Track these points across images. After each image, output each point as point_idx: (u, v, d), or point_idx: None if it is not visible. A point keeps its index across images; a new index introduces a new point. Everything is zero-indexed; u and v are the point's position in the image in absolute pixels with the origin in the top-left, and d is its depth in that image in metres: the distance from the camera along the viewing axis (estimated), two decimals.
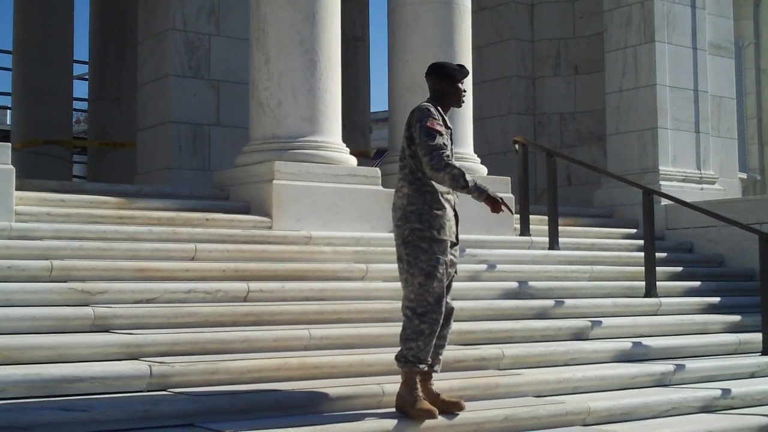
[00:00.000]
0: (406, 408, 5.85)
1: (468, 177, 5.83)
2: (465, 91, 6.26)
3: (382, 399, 6.12)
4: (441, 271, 5.85)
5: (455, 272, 6.15)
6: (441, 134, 5.90)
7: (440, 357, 6.12)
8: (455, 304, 7.98)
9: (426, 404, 5.84)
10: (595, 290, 9.72)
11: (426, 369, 5.93)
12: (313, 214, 9.14)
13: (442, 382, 6.29)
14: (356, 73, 16.70)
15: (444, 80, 6.17)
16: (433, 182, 5.91)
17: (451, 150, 6.02)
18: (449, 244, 5.94)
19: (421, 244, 5.85)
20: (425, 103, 6.10)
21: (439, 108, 6.10)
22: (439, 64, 6.29)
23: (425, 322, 5.82)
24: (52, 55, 15.28)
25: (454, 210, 6.05)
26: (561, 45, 15.08)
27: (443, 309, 5.88)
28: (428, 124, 5.91)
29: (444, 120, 6.07)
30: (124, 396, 5.64)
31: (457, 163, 5.87)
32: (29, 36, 15.33)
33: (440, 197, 5.94)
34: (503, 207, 5.90)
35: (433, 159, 5.82)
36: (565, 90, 15.03)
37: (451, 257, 6.02)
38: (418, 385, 5.91)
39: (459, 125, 10.49)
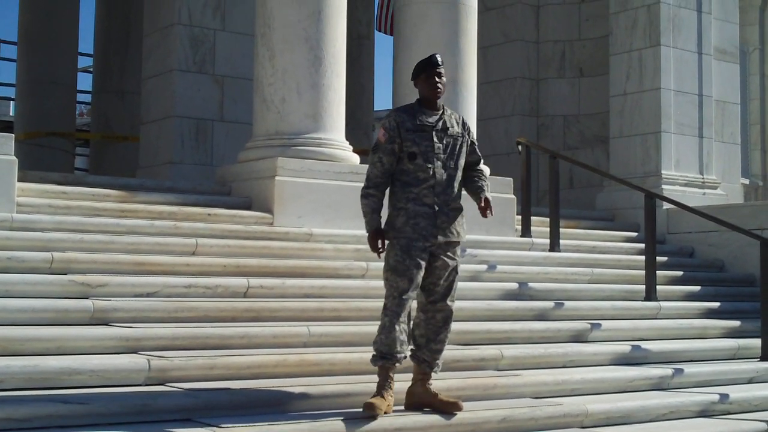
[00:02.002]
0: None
1: (367, 208, 5.95)
2: (438, 81, 6.05)
3: None
4: (406, 266, 5.83)
5: (452, 273, 6.08)
6: (382, 147, 5.95)
7: (438, 360, 6.10)
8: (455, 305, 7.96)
9: (376, 402, 5.76)
10: (595, 293, 9.71)
11: (391, 365, 5.90)
12: (314, 212, 9.14)
13: (440, 382, 6.29)
14: (361, 71, 16.71)
15: (414, 79, 6.15)
16: (401, 179, 5.97)
17: (428, 146, 5.96)
18: (422, 242, 5.88)
19: (391, 240, 5.95)
20: (393, 109, 6.31)
21: (417, 107, 6.09)
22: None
23: (386, 314, 5.87)
24: (57, 47, 15.28)
25: (434, 208, 5.95)
26: (566, 47, 15.08)
27: (405, 305, 5.85)
28: (377, 135, 6.07)
29: (417, 121, 6.00)
30: (122, 389, 5.63)
31: (375, 194, 5.97)
32: (34, 27, 15.33)
33: (404, 195, 5.94)
34: (376, 251, 5.97)
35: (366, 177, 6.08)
36: (570, 92, 15.03)
37: (444, 258, 6.00)
38: (388, 383, 5.89)
39: None
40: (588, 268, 10.29)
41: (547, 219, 10.66)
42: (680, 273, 11.11)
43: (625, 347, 8.40)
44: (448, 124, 6.12)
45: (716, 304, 10.30)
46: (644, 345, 8.56)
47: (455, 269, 6.10)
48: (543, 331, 8.34)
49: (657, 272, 10.03)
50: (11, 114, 20.41)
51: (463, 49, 10.56)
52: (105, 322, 6.53)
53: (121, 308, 6.65)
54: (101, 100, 15.46)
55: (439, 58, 6.11)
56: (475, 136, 6.37)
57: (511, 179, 10.90)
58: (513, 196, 10.75)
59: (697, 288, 10.75)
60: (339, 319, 7.52)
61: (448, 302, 6.08)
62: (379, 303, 7.81)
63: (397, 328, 5.84)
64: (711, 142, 13.56)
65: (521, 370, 7.37)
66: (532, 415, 6.39)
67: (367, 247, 8.74)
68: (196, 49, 11.57)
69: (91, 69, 16.76)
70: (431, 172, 5.96)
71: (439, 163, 6.00)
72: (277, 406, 5.76)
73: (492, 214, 6.27)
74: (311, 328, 7.00)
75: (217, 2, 11.70)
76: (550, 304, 8.98)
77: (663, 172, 12.93)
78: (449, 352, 6.93)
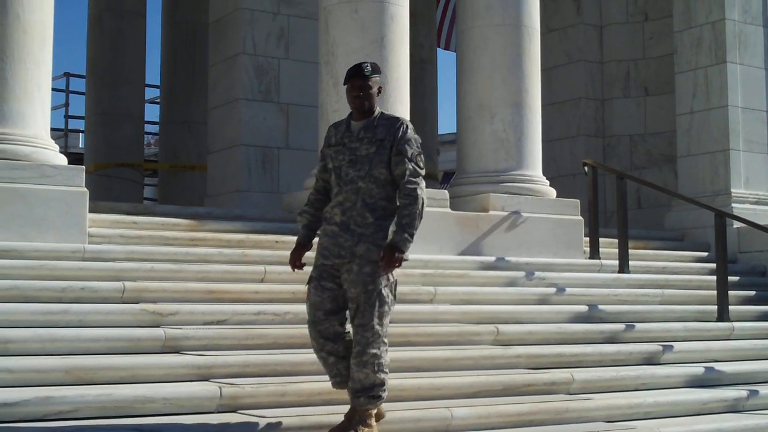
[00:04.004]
0: None
1: (299, 225, 5.85)
2: (358, 93, 5.61)
3: (450, 423, 6.10)
4: (308, 291, 5.65)
5: (360, 297, 5.48)
6: (318, 165, 5.86)
7: (355, 391, 5.53)
8: (521, 327, 7.92)
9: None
10: (666, 314, 9.59)
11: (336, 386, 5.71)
12: None
13: (512, 407, 6.24)
14: (424, 95, 16.74)
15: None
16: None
17: (342, 160, 5.60)
18: (320, 262, 5.63)
19: None
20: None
21: (347, 119, 5.76)
22: None
23: None
24: (125, 80, 15.57)
25: (339, 225, 5.58)
26: (630, 66, 14.98)
27: (315, 330, 5.58)
28: None
29: (340, 135, 5.70)
30: (195, 417, 5.67)
31: (308, 211, 5.83)
32: (102, 61, 15.63)
33: (324, 215, 5.73)
34: (291, 264, 5.83)
35: None
36: (635, 111, 14.92)
37: (348, 280, 5.51)
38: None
39: (527, 147, 10.47)
40: (658, 289, 10.17)
41: (616, 240, 10.56)
42: (753, 293, 10.93)
43: (698, 369, 8.28)
44: (371, 132, 5.62)
45: None
46: (718, 366, 8.42)
47: (363, 291, 5.47)
48: (614, 354, 8.24)
49: (729, 292, 9.87)
50: (81, 146, 20.75)
51: (527, 72, 10.54)
52: (176, 350, 6.59)
53: (192, 336, 6.70)
54: (168, 130, 15.68)
55: (366, 68, 5.64)
56: (409, 145, 5.56)
57: (578, 201, 10.83)
58: (580, 218, 10.67)
59: None
60: (408, 345, 7.50)
61: (355, 325, 5.51)
62: (448, 328, 7.86)
63: (320, 354, 5.62)
64: None
65: (593, 393, 7.28)
66: None
67: (434, 271, 8.86)
68: (261, 78, 11.69)
69: (158, 100, 17.01)
70: (340, 188, 5.60)
71: (350, 176, 5.57)
72: None
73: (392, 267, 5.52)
74: None
75: (281, 31, 11.83)
76: (621, 326, 8.88)
77: (732, 190, 12.74)
78: (520, 376, 6.91)
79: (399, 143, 5.55)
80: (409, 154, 5.56)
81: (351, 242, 5.51)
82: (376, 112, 5.69)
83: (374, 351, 5.47)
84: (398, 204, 5.58)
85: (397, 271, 8.40)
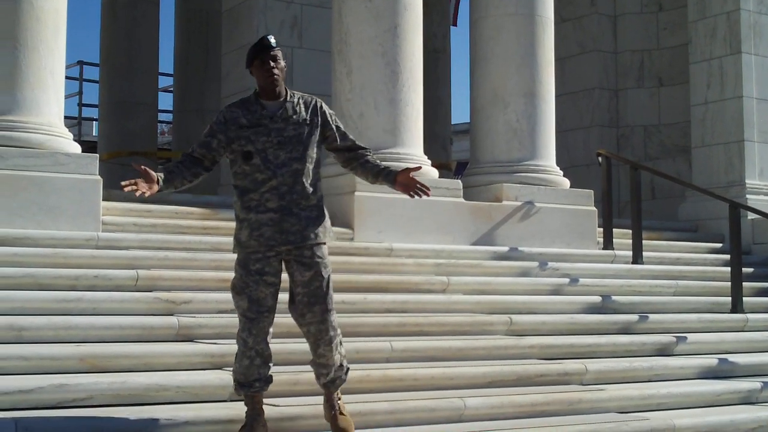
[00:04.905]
0: None
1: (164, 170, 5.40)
2: (273, 66, 5.35)
3: (463, 412, 6.10)
4: (244, 283, 5.26)
5: (315, 279, 5.31)
6: (200, 139, 5.48)
7: (327, 374, 5.46)
8: (534, 318, 7.92)
9: None
10: (680, 305, 9.57)
11: (254, 393, 5.34)
12: (394, 226, 9.15)
13: (525, 397, 6.23)
14: (437, 85, 16.71)
15: (249, 67, 5.44)
16: (239, 185, 5.39)
17: (266, 141, 5.31)
18: (262, 252, 5.28)
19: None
20: (228, 104, 5.60)
21: (253, 99, 5.45)
22: None
23: (237, 340, 5.36)
24: (138, 68, 15.56)
25: (277, 211, 5.27)
26: (644, 56, 14.92)
27: (253, 325, 5.25)
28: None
29: (253, 116, 5.38)
30: (208, 406, 5.68)
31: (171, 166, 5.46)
32: (115, 49, 15.63)
33: (245, 204, 5.33)
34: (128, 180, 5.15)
35: None
36: (649, 102, 14.86)
37: (298, 264, 5.31)
38: (257, 411, 5.34)
39: (541, 137, 10.45)
40: (672, 280, 10.14)
41: (629, 231, 10.55)
42: (767, 284, 10.89)
43: (711, 360, 8.26)
44: (292, 112, 5.40)
45: None
46: (731, 358, 8.41)
47: (319, 274, 5.33)
48: (627, 345, 8.23)
49: (743, 284, 9.85)
50: (95, 134, 20.79)
51: (540, 62, 10.51)
52: (190, 339, 6.60)
53: (206, 324, 6.71)
54: (182, 119, 15.69)
55: (272, 40, 5.38)
56: (339, 119, 5.67)
57: (592, 191, 10.81)
58: (594, 209, 10.64)
59: None
60: (421, 334, 7.50)
61: (316, 312, 5.32)
62: (461, 318, 7.85)
63: (248, 353, 5.29)
64: None
65: (606, 384, 7.27)
66: (618, 430, 6.31)
67: (447, 261, 8.85)
68: None
69: (172, 89, 17.01)
70: (272, 172, 5.29)
71: (282, 159, 5.31)
72: (361, 421, 5.76)
73: (427, 190, 5.50)
74: (394, 343, 6.99)
75: (294, 20, 11.81)
76: (634, 317, 8.86)
77: (747, 181, 12.70)
78: (533, 366, 6.90)
79: (332, 119, 5.57)
80: (343, 127, 5.69)
81: (299, 226, 5.30)
82: (287, 90, 5.47)
83: (332, 333, 5.37)
84: (360, 159, 5.66)
85: (410, 261, 8.46)
